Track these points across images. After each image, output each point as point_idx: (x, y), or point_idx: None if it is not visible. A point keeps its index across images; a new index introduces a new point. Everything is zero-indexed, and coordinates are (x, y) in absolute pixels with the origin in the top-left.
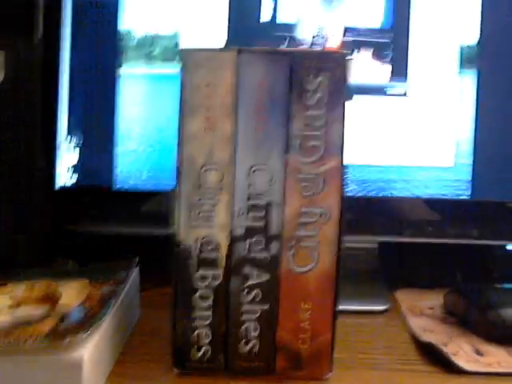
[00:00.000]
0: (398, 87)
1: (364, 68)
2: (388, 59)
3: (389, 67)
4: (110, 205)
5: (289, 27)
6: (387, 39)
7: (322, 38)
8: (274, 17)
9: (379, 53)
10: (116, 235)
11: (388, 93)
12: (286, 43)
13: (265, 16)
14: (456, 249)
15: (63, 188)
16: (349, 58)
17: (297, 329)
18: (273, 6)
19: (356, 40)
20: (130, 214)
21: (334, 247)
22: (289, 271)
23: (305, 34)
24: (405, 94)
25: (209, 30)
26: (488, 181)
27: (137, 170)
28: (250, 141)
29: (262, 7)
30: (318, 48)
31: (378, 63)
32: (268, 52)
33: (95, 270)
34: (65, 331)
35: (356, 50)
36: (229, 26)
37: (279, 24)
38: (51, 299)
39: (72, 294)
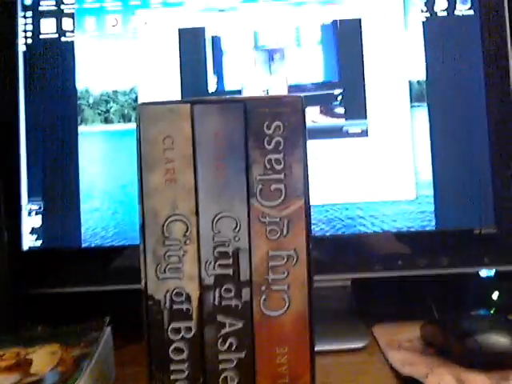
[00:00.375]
0: (359, 128)
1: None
2: (339, 109)
3: (341, 116)
4: (77, 264)
5: (236, 93)
6: (335, 90)
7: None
8: (221, 86)
9: (328, 106)
10: (86, 294)
11: (350, 132)
12: None
13: (212, 86)
14: (428, 280)
15: (29, 251)
16: (303, 100)
17: (275, 374)
18: (217, 77)
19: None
20: (98, 272)
21: (305, 288)
22: (262, 316)
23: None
24: (366, 134)
25: (165, 87)
26: (451, 209)
27: (103, 228)
28: (212, 189)
29: (208, 79)
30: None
31: (327, 116)
32: (221, 101)
33: (66, 334)
34: None
35: None
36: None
37: (227, 91)
38: (22, 367)
39: (43, 360)
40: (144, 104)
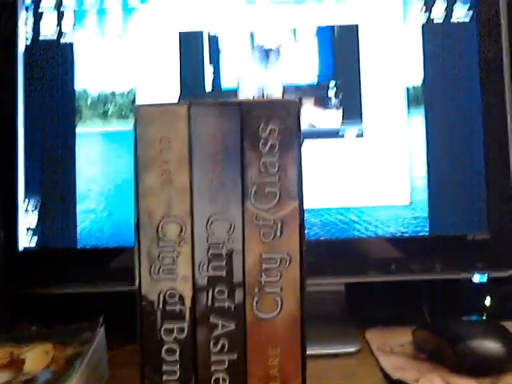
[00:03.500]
0: (355, 130)
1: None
2: (334, 106)
3: (336, 113)
4: (73, 265)
5: (232, 91)
6: (329, 89)
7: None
8: (217, 84)
9: (322, 102)
10: (81, 295)
11: (344, 135)
12: None
13: (209, 84)
14: (421, 285)
15: (25, 250)
16: (299, 104)
17: (266, 376)
18: (213, 75)
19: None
20: (93, 272)
21: (298, 291)
22: (254, 318)
23: (248, 95)
24: (361, 136)
25: (163, 87)
26: (445, 215)
27: (98, 228)
28: (207, 191)
29: (205, 77)
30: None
31: (322, 111)
32: (218, 104)
33: (59, 333)
34: None
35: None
36: (180, 95)
37: (224, 90)
38: (15, 365)
39: (36, 359)
40: (141, 105)
